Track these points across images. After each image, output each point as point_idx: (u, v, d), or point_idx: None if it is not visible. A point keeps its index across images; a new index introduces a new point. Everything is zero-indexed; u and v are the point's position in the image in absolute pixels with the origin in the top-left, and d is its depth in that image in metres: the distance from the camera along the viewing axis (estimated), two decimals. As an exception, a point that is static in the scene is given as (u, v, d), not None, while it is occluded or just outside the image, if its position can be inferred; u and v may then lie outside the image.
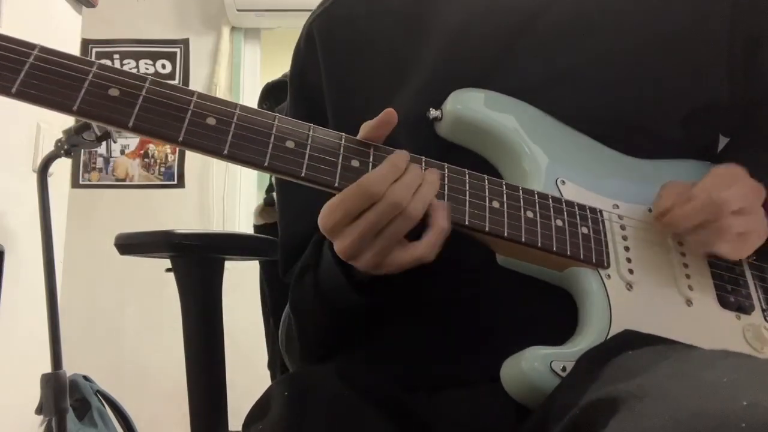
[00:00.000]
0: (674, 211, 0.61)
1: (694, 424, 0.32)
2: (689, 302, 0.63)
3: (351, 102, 0.74)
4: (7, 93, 0.49)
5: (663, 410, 0.34)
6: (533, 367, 0.55)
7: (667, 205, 0.62)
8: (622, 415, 0.37)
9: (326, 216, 0.55)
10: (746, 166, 0.65)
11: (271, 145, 0.54)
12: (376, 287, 0.62)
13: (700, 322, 0.62)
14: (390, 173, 0.55)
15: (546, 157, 0.65)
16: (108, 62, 0.57)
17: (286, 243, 0.80)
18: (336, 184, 0.55)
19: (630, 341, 0.53)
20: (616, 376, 0.45)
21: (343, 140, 0.57)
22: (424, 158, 0.59)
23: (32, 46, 0.50)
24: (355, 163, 0.56)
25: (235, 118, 0.54)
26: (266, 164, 0.54)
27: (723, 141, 0.80)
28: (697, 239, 0.63)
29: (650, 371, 0.41)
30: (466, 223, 0.57)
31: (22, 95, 0.49)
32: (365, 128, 0.58)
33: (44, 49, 0.50)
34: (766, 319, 0.66)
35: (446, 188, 0.58)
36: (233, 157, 0.53)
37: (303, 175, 0.54)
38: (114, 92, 0.51)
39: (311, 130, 0.56)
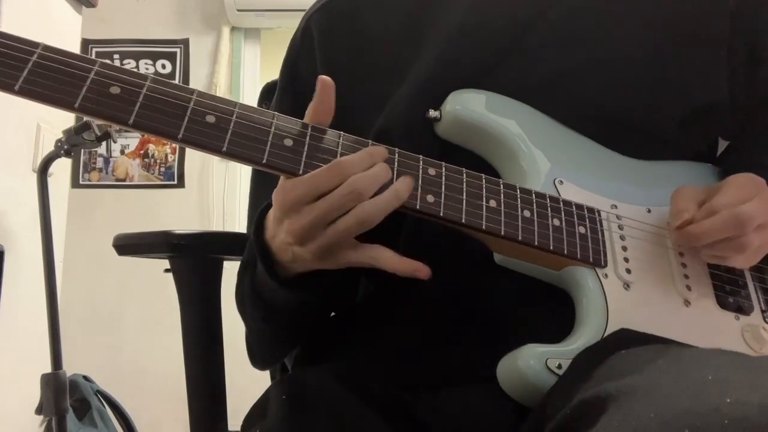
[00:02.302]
0: (696, 226, 0.60)
1: (679, 422, 0.32)
2: (687, 302, 0.63)
3: (348, 98, 0.74)
4: (11, 90, 0.49)
5: (650, 408, 0.35)
6: (529, 364, 0.55)
7: (686, 217, 0.60)
8: (611, 414, 0.37)
9: (288, 190, 0.55)
10: (752, 172, 0.65)
11: (269, 143, 0.54)
12: (307, 283, 0.61)
13: (698, 322, 0.62)
14: (365, 161, 0.55)
15: (544, 157, 0.65)
16: (108, 62, 0.58)
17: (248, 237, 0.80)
18: None
19: (625, 340, 0.53)
20: (608, 375, 0.45)
21: (341, 139, 0.57)
22: (422, 157, 0.59)
23: (35, 45, 0.51)
24: None
25: (234, 116, 0.54)
26: (264, 161, 0.54)
27: (722, 144, 0.80)
28: (713, 253, 0.62)
29: (641, 370, 0.42)
30: (463, 221, 0.57)
31: (25, 92, 0.50)
32: (311, 111, 0.57)
33: (47, 48, 0.51)
34: (765, 320, 0.66)
35: (443, 186, 0.58)
36: (232, 154, 0.53)
37: (301, 172, 0.55)
38: (115, 90, 0.52)
39: (310, 129, 0.56)
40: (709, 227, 0.59)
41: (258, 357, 0.77)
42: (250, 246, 0.74)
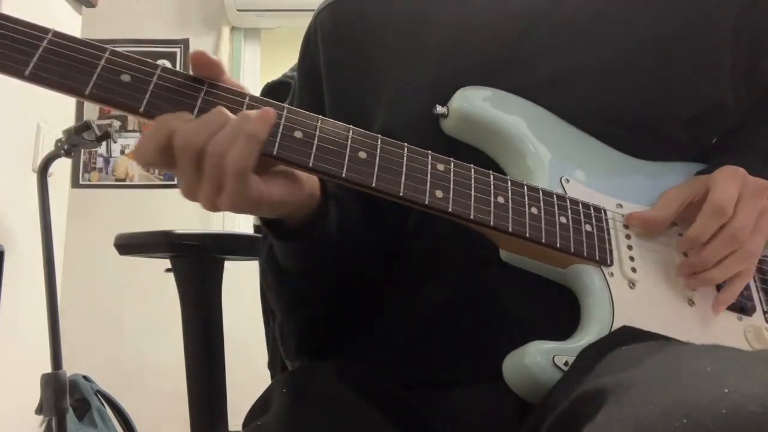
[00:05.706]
0: (702, 254, 0.62)
1: (676, 411, 0.33)
2: (691, 302, 0.63)
3: (350, 94, 0.73)
4: (20, 75, 0.49)
5: (647, 398, 0.35)
6: (536, 361, 0.55)
7: (700, 235, 0.62)
8: (610, 405, 0.37)
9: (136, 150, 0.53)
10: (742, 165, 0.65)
11: (279, 135, 0.54)
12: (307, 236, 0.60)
13: (701, 321, 0.63)
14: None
15: (551, 155, 0.65)
16: (117, 50, 0.57)
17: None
18: (343, 175, 0.55)
19: (626, 338, 0.54)
20: (608, 369, 0.45)
21: (351, 132, 0.57)
22: (430, 152, 0.59)
23: (46, 30, 0.51)
24: (362, 154, 0.56)
25: (245, 107, 0.54)
26: (275, 153, 0.53)
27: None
28: (729, 269, 0.63)
29: (640, 365, 0.42)
30: (472, 217, 0.57)
31: (35, 78, 0.49)
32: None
33: (57, 34, 0.51)
34: (767, 321, 0.66)
35: (452, 182, 0.58)
36: None
37: (311, 165, 0.54)
38: (126, 78, 0.52)
39: (319, 122, 0.56)
40: (711, 253, 0.61)
41: (285, 345, 0.76)
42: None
